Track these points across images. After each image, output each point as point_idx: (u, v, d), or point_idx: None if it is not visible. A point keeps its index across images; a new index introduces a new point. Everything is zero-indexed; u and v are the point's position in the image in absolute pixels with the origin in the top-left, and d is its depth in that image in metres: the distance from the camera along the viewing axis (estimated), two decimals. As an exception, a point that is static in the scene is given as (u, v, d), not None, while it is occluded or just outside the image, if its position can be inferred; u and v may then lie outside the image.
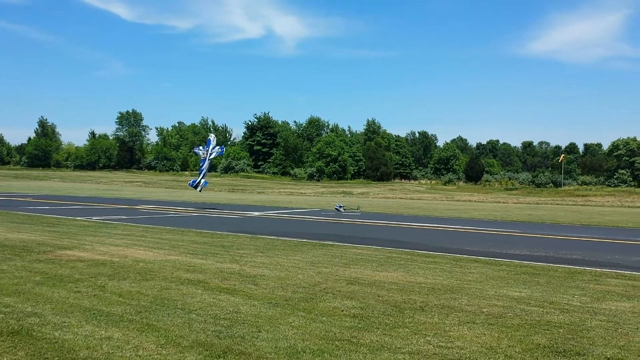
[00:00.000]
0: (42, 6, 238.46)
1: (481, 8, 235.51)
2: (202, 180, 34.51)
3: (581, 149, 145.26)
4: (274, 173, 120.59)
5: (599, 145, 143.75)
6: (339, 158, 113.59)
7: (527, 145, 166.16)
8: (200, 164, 35.42)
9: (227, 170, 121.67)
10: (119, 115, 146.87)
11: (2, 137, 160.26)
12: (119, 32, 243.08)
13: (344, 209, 31.69)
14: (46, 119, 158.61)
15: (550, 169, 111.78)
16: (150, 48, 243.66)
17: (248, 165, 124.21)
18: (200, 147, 35.46)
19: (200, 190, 35.24)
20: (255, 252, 14.51)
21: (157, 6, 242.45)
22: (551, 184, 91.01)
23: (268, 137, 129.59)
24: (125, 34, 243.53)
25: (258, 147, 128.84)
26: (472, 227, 25.26)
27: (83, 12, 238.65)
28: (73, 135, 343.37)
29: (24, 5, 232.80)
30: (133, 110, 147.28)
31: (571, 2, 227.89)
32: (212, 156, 34.65)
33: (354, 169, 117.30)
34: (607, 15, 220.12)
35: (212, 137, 35.65)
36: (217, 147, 35.04)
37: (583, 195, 70.91)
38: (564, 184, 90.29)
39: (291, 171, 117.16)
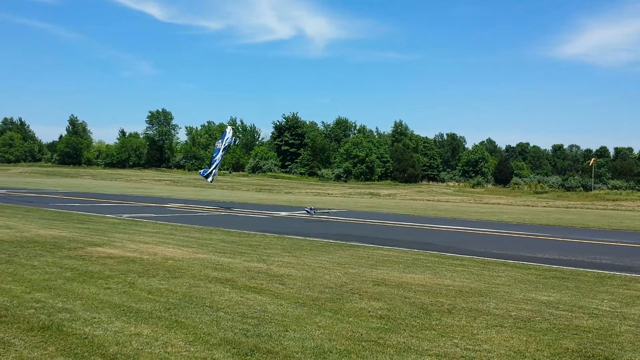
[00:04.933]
0: (75, 6, 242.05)
1: (509, 12, 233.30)
2: (214, 171, 34.73)
3: (612, 152, 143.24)
4: (301, 173, 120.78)
5: (630, 150, 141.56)
6: (367, 159, 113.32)
7: (558, 149, 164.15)
8: (214, 155, 35.39)
9: (255, 170, 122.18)
10: (149, 114, 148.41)
11: (34, 134, 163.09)
12: (150, 32, 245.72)
13: (314, 211, 31.42)
14: (77, 117, 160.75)
15: (580, 172, 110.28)
16: (180, 48, 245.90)
17: (275, 165, 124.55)
18: (220, 141, 35.56)
19: (211, 181, 35.43)
20: (282, 251, 14.57)
21: (189, 7, 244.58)
22: (581, 188, 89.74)
23: (296, 138, 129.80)
24: (156, 34, 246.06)
25: (286, 148, 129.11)
26: (500, 230, 25.05)
27: (116, 12, 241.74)
28: (103, 134, 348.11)
29: (56, 5, 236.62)
30: (163, 109, 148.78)
31: (599, 6, 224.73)
32: (225, 145, 34.61)
33: (381, 171, 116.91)
34: (636, 19, 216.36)
35: (228, 129, 35.73)
36: (231, 138, 35.02)
37: (613, 200, 69.84)
38: (594, 188, 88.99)
39: (318, 172, 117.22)
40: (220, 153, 34.48)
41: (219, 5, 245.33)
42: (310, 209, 31.59)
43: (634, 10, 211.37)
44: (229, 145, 35.21)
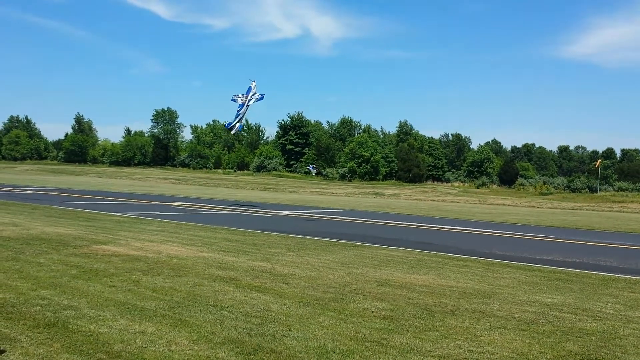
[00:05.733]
0: (82, 4, 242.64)
1: (516, 11, 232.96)
2: (237, 124, 34.95)
3: (618, 154, 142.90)
4: (305, 172, 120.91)
5: (637, 151, 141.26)
6: (371, 159, 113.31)
7: (563, 150, 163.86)
8: (238, 109, 35.34)
9: (260, 169, 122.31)
10: (155, 112, 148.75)
11: (40, 132, 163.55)
12: (156, 31, 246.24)
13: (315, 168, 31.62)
14: (82, 115, 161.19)
15: (586, 174, 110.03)
16: (186, 47, 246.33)
17: (280, 164, 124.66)
18: (239, 94, 35.40)
19: (234, 133, 35.72)
20: (286, 251, 14.60)
21: (195, 5, 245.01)
22: (587, 189, 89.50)
23: (301, 137, 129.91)
24: (162, 32, 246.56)
25: (291, 147, 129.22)
26: (504, 232, 25.02)
27: (122, 11, 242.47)
28: (109, 132, 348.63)
29: (64, 3, 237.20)
30: (168, 108, 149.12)
31: (607, 6, 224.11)
32: (251, 102, 34.60)
33: (386, 170, 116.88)
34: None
35: (253, 84, 35.65)
36: (257, 94, 35.13)
37: (619, 202, 69.62)
38: (600, 190, 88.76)
39: (323, 171, 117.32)
40: (244, 108, 34.69)
41: (225, 3, 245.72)
42: (313, 167, 31.86)
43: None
44: (256, 101, 35.27)
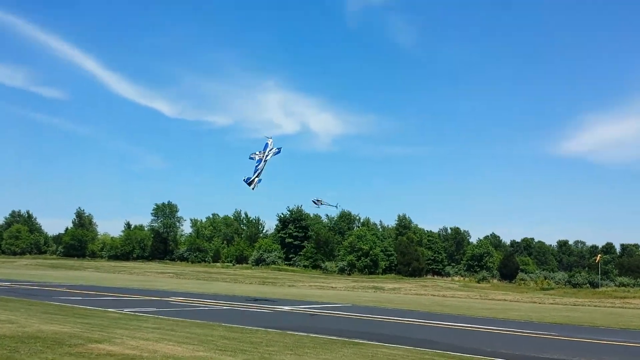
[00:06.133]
0: (86, 102, 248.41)
1: (512, 108, 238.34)
2: (257, 179, 35.40)
3: (618, 249, 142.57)
4: (305, 266, 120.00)
5: (637, 246, 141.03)
6: (371, 252, 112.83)
7: (563, 244, 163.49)
8: (256, 164, 36.04)
9: (259, 262, 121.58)
10: (155, 206, 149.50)
11: (40, 226, 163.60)
12: (159, 127, 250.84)
13: (320, 203, 31.57)
14: (83, 210, 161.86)
15: (586, 268, 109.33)
16: (188, 142, 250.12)
17: (279, 257, 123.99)
18: (257, 152, 36.31)
19: (253, 188, 35.91)
20: (284, 349, 14.37)
21: (198, 103, 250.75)
22: (588, 285, 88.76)
23: (300, 230, 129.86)
24: (164, 129, 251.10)
25: (290, 240, 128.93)
26: (508, 329, 24.66)
27: (127, 108, 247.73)
28: (109, 226, 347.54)
29: (68, 100, 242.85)
30: (169, 202, 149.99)
31: (604, 103, 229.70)
32: (269, 157, 35.51)
33: (385, 264, 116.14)
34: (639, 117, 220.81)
35: (269, 141, 36.55)
36: (274, 148, 36.13)
37: (621, 297, 68.85)
38: (601, 285, 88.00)
39: (322, 264, 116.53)
40: (262, 163, 35.46)
41: (228, 101, 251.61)
42: (317, 200, 31.75)
43: (637, 107, 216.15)
44: (274, 155, 36.12)
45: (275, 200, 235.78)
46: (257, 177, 35.46)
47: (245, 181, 35.97)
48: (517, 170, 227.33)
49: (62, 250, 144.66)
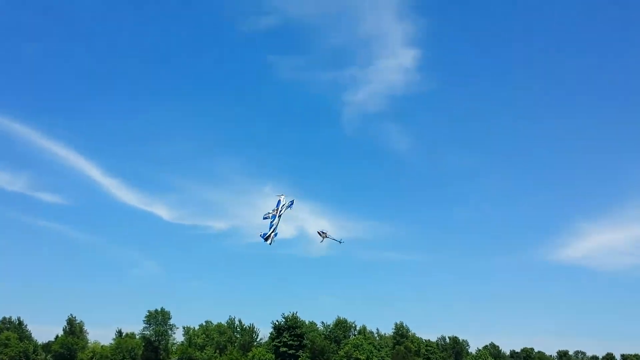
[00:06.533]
0: (86, 207, 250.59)
1: (508, 215, 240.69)
2: (273, 234, 36.65)
3: (618, 359, 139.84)
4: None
5: (637, 356, 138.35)
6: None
7: (563, 355, 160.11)
8: (271, 220, 37.32)
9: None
10: (148, 313, 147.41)
11: (31, 334, 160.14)
12: (157, 232, 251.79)
13: (326, 235, 31.94)
14: (74, 317, 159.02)
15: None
16: (185, 247, 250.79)
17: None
18: (270, 211, 37.65)
19: (270, 243, 36.99)
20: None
21: (196, 208, 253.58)
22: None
23: (295, 338, 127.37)
24: (162, 233, 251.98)
25: (284, 349, 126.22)
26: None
27: (126, 213, 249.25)
28: (100, 333, 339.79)
29: (68, 205, 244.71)
30: (162, 308, 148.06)
31: (598, 211, 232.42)
32: (283, 212, 36.88)
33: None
34: (635, 225, 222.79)
35: (282, 197, 38.06)
36: (287, 202, 37.79)
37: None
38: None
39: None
40: (277, 219, 36.71)
41: (226, 207, 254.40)
42: (323, 231, 32.10)
43: (633, 214, 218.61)
44: (287, 209, 37.34)
45: (270, 307, 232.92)
46: (272, 232, 36.91)
47: (262, 236, 37.45)
48: (516, 278, 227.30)
49: (51, 359, 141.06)
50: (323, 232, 34.12)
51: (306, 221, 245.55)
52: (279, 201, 38.51)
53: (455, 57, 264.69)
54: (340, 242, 36.87)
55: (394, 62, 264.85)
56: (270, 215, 38.02)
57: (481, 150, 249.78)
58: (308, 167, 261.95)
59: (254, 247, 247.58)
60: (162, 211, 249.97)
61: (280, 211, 37.65)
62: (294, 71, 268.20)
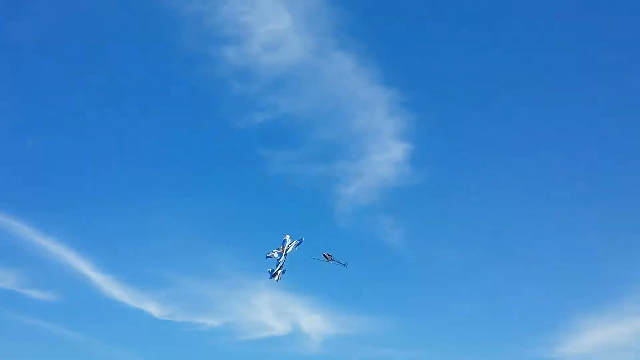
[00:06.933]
0: (76, 304, 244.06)
1: (504, 312, 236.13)
2: (280, 271, 36.07)
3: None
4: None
5: None
6: None
7: None
8: (277, 258, 36.74)
9: None
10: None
11: None
12: (146, 330, 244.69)
13: (330, 257, 31.47)
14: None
15: None
16: (176, 345, 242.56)
17: None
18: (273, 250, 37.11)
19: (277, 280, 36.20)
20: None
21: (188, 304, 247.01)
22: None
23: None
24: (152, 331, 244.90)
25: None
26: None
27: (116, 310, 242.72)
28: None
29: (58, 302, 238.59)
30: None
31: (596, 306, 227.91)
32: (289, 250, 36.16)
33: None
34: (635, 320, 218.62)
35: (287, 237, 37.67)
36: (295, 241, 37.34)
37: None
38: None
39: None
40: (283, 257, 37.16)
41: (220, 303, 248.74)
42: (327, 254, 31.54)
43: (633, 309, 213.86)
44: (296, 247, 37.01)
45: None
46: (279, 269, 36.82)
47: (270, 272, 37.30)
48: None
49: None
50: (328, 255, 34.57)
51: (300, 316, 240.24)
52: (285, 240, 38.83)
53: (445, 151, 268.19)
54: (345, 265, 37.36)
55: (386, 156, 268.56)
56: (276, 253, 38.29)
57: (472, 245, 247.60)
58: (302, 261, 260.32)
59: (248, 345, 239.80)
60: (152, 308, 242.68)
61: (287, 250, 37.97)
62: (285, 165, 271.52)
